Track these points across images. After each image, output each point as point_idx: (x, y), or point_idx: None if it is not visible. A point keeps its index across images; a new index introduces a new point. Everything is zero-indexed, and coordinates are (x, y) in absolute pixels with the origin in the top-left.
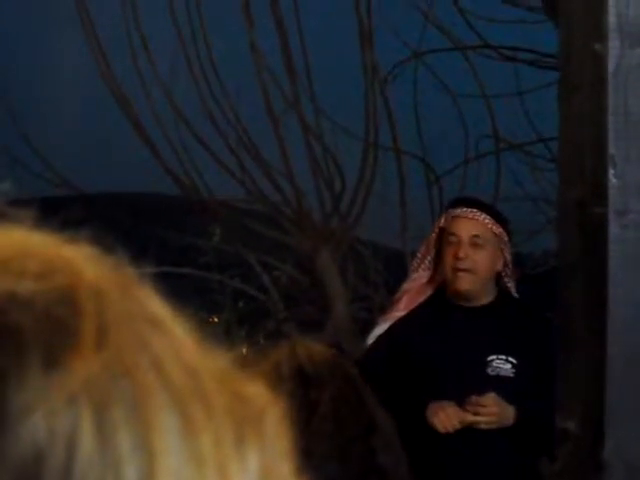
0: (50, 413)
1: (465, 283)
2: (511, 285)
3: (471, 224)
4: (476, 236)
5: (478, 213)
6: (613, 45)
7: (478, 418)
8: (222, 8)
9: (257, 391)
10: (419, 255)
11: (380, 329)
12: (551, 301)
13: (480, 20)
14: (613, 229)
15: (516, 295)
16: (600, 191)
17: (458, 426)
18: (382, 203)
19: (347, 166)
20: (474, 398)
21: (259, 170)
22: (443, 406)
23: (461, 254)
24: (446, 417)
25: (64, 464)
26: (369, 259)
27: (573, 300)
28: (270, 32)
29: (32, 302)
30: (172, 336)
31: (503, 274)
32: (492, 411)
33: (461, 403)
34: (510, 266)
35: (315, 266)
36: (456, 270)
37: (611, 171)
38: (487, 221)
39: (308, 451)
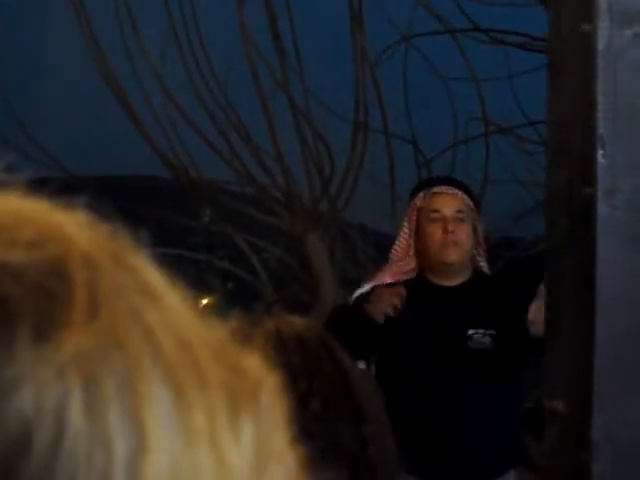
0: (38, 387)
1: (454, 254)
2: (483, 263)
3: (454, 200)
4: (460, 211)
5: (456, 190)
6: (603, 25)
7: None
8: None
9: (253, 363)
10: (402, 240)
11: (364, 289)
12: (540, 282)
13: (470, 3)
14: (602, 209)
15: (488, 272)
16: (589, 171)
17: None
18: (371, 186)
19: (337, 149)
20: None
21: (248, 152)
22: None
23: (450, 228)
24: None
25: (52, 438)
26: (358, 242)
27: (561, 280)
28: (260, 13)
29: (23, 272)
30: (166, 307)
31: (474, 252)
32: None
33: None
34: (482, 243)
35: (304, 249)
36: (445, 244)
37: (600, 151)
38: (465, 197)
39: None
